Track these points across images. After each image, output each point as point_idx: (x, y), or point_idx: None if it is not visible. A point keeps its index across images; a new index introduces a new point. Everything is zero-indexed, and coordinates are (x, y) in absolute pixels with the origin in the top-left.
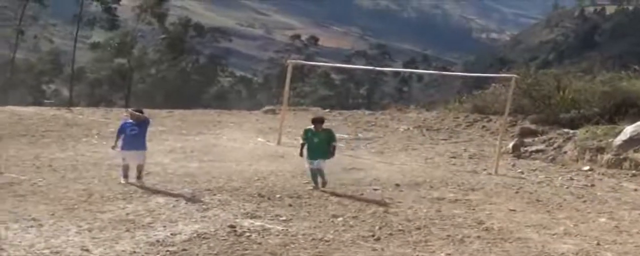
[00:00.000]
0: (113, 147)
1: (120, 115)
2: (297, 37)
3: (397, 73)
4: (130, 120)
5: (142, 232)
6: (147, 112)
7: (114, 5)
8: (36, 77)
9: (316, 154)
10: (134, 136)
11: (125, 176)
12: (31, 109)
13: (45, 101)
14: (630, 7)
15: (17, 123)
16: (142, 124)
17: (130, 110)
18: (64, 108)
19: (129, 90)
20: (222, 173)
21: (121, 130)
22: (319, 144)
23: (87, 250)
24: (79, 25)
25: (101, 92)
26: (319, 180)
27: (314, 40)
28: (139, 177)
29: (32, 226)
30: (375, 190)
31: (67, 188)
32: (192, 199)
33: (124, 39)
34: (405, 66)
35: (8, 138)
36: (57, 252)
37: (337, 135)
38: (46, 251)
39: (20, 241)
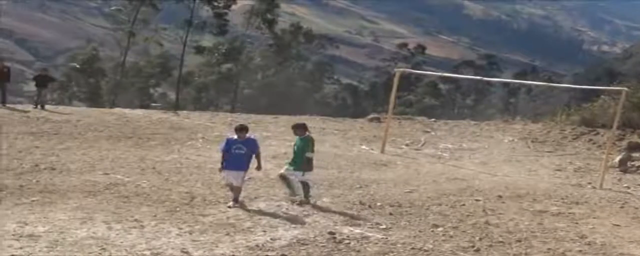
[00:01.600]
0: (219, 170)
1: (225, 120)
2: (405, 45)
3: (505, 84)
4: (236, 137)
5: (241, 236)
6: (253, 117)
7: (224, 11)
8: (145, 80)
9: (294, 163)
10: (238, 155)
11: (235, 199)
12: (139, 112)
13: (153, 104)
14: None
15: (125, 125)
16: (248, 143)
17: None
18: (171, 112)
19: (235, 94)
20: (324, 180)
21: (226, 148)
22: (296, 152)
23: (186, 252)
24: (188, 30)
25: (208, 96)
26: (300, 192)
27: (421, 49)
28: (235, 200)
29: (134, 228)
30: (477, 201)
31: (170, 191)
32: (293, 205)
33: (233, 44)
34: (514, 77)
35: (115, 139)
36: (157, 253)
37: (442, 145)
38: (147, 253)
39: (121, 242)
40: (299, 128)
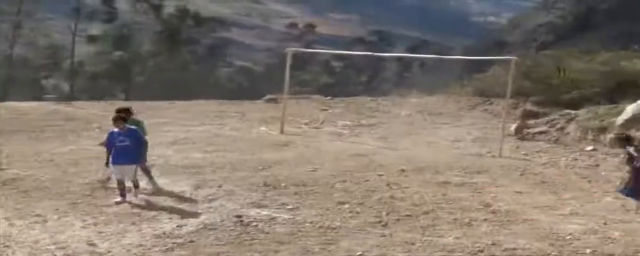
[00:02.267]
0: (105, 165)
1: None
2: (295, 25)
3: (398, 59)
4: (121, 130)
5: (147, 225)
6: (148, 104)
7: None
8: (35, 72)
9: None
10: (122, 147)
11: (122, 195)
12: (31, 104)
13: (46, 96)
14: None
15: (17, 119)
16: (131, 133)
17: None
18: (64, 103)
19: (128, 82)
20: (227, 163)
21: (111, 142)
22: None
23: (93, 245)
24: (77, 19)
25: (102, 86)
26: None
27: (311, 27)
28: (135, 195)
29: (37, 223)
30: (380, 176)
31: (70, 183)
32: (197, 190)
33: (122, 32)
34: (405, 52)
35: (9, 134)
36: (63, 247)
37: (341, 123)
38: (52, 247)
39: (25, 238)
40: (120, 118)
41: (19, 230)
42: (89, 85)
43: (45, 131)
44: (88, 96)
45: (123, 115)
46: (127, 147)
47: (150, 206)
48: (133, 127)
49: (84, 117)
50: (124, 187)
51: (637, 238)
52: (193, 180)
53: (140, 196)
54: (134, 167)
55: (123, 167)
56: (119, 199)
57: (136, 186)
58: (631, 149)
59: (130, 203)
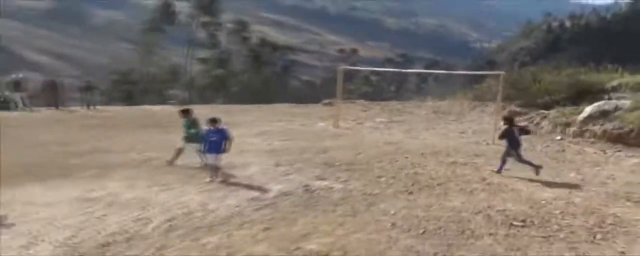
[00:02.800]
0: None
1: (220, 110)
2: (343, 50)
3: (417, 74)
4: (213, 129)
5: (242, 192)
6: (240, 107)
7: (215, 32)
8: (161, 84)
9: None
10: (212, 142)
11: (211, 175)
12: (159, 107)
13: (168, 101)
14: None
15: (150, 117)
16: (222, 131)
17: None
18: (183, 107)
19: (226, 92)
20: (297, 148)
21: (207, 137)
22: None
23: (204, 204)
24: (190, 47)
25: (207, 94)
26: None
27: (355, 51)
28: (213, 175)
29: (165, 190)
30: (407, 157)
31: (186, 163)
32: (276, 167)
33: (221, 56)
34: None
35: (144, 127)
36: (185, 206)
37: (377, 120)
38: (173, 203)
39: (157, 200)
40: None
41: (153, 195)
42: (199, 93)
43: (169, 126)
44: (199, 102)
45: (186, 110)
46: (216, 142)
47: (245, 178)
48: (224, 126)
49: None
50: (214, 169)
51: (592, 203)
52: (273, 160)
53: (220, 178)
54: (219, 156)
55: (212, 155)
56: (208, 179)
57: (218, 168)
58: (503, 125)
59: (218, 180)
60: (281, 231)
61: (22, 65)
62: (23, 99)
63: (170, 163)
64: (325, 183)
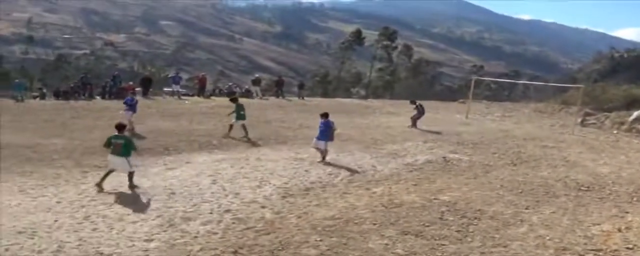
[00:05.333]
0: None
1: (387, 103)
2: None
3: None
4: (324, 121)
5: (400, 159)
6: (401, 102)
7: (390, 51)
8: (347, 84)
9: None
10: (322, 131)
11: (323, 157)
12: (347, 100)
13: (353, 96)
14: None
15: (339, 106)
16: (327, 123)
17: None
18: (363, 100)
19: (392, 91)
20: (439, 131)
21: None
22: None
23: (374, 166)
24: (373, 60)
25: (380, 92)
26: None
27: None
28: (323, 157)
29: (349, 155)
30: (513, 141)
31: (364, 137)
32: (424, 143)
33: (391, 66)
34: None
35: (334, 113)
36: (360, 166)
37: (495, 114)
38: (355, 166)
39: (342, 161)
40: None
41: (341, 157)
42: (374, 92)
43: (352, 112)
44: (373, 97)
45: (234, 98)
46: (324, 132)
47: (402, 150)
48: (330, 120)
49: (371, 106)
50: (325, 151)
51: (634, 176)
52: (422, 138)
53: (327, 159)
54: (325, 142)
55: (321, 142)
56: (319, 160)
57: (325, 151)
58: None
59: (325, 162)
60: (425, 186)
61: (258, 69)
62: (259, 91)
63: (227, 136)
64: (457, 155)
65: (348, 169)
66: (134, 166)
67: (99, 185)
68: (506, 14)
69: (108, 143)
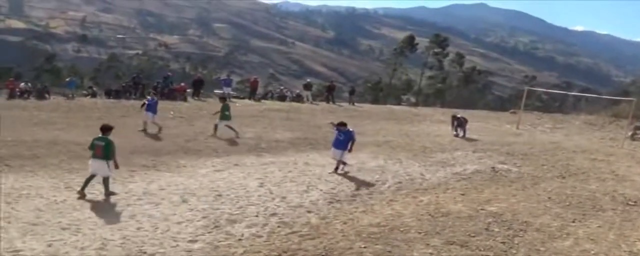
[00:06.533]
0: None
1: (438, 112)
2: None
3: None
4: (343, 130)
5: (449, 168)
6: (454, 110)
7: (441, 59)
8: (397, 91)
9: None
10: (340, 141)
11: (335, 167)
12: (397, 107)
13: (402, 103)
14: None
15: (389, 112)
16: (347, 133)
17: (335, 123)
18: (413, 107)
19: (443, 99)
20: (489, 141)
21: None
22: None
23: (422, 175)
24: (424, 68)
25: (430, 100)
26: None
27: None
28: (337, 168)
29: (397, 162)
30: (563, 153)
31: (413, 144)
32: (474, 153)
33: (442, 74)
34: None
35: (384, 119)
36: (409, 174)
37: (546, 125)
38: (404, 174)
39: (391, 168)
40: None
41: (388, 164)
42: (424, 99)
43: (403, 119)
44: (423, 105)
45: (223, 99)
46: (342, 141)
47: (451, 159)
48: (349, 129)
49: (423, 114)
50: (339, 162)
51: None
52: (472, 148)
53: (346, 168)
54: (343, 152)
55: (338, 151)
56: (331, 170)
57: (343, 163)
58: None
59: (340, 172)
60: (472, 196)
61: (309, 74)
62: (309, 96)
63: (213, 135)
64: (506, 166)
65: (396, 176)
66: (111, 171)
67: (81, 193)
68: (560, 24)
69: (91, 146)
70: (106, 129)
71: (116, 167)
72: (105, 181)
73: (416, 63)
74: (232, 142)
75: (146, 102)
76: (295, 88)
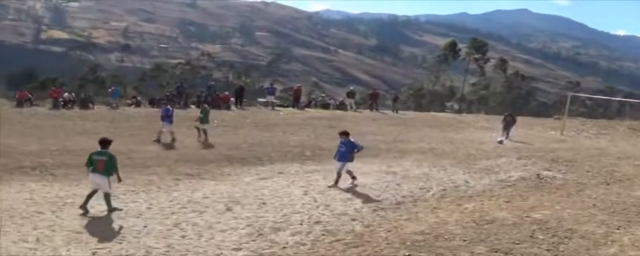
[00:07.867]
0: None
1: (481, 118)
2: (570, 82)
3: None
4: (344, 140)
5: (493, 175)
6: (496, 117)
7: (483, 65)
8: (441, 98)
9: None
10: (340, 151)
11: (336, 181)
12: (441, 114)
13: (447, 110)
14: None
15: (433, 120)
16: (348, 143)
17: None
18: (457, 114)
19: (486, 105)
20: (533, 148)
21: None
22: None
23: (467, 182)
24: (466, 74)
25: (474, 107)
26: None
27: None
28: (337, 182)
29: (442, 170)
30: (607, 159)
31: (457, 152)
32: (518, 160)
33: (484, 80)
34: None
35: (428, 127)
36: (454, 182)
37: (590, 131)
38: (448, 181)
39: (436, 176)
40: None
41: (433, 172)
42: (467, 106)
43: (447, 126)
44: (467, 111)
45: (203, 105)
46: (344, 152)
47: (496, 166)
48: (352, 139)
49: (466, 121)
50: (339, 175)
51: None
52: (516, 155)
53: (355, 181)
54: (344, 163)
55: (340, 163)
56: (331, 184)
57: (353, 177)
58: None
59: (344, 187)
60: (517, 204)
61: (352, 81)
62: (353, 104)
63: (198, 139)
64: (550, 173)
65: (440, 183)
66: (111, 188)
67: (83, 208)
68: (602, 29)
69: (89, 162)
70: (106, 143)
71: (119, 180)
72: (107, 197)
73: (459, 69)
74: (276, 151)
75: (163, 113)
76: (339, 96)
